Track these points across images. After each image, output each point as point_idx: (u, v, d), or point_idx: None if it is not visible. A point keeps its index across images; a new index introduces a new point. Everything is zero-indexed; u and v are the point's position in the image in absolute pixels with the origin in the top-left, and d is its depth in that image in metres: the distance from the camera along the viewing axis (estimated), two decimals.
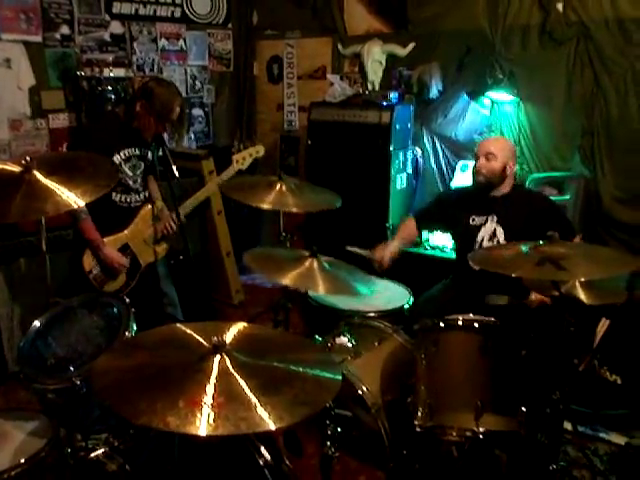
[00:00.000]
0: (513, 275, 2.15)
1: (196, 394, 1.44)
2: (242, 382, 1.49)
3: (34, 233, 3.63)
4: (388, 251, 3.31)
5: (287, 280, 2.40)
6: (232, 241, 4.92)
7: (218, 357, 1.55)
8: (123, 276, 3.32)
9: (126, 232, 3.32)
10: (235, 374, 1.51)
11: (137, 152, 3.27)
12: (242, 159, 3.60)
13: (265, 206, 2.86)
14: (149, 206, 3.38)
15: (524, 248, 2.20)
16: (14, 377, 3.71)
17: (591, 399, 3.19)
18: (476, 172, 3.17)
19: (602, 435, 3.16)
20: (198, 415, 1.39)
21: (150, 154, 3.34)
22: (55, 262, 2.66)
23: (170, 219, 3.35)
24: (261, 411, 1.42)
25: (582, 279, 2.27)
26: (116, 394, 1.50)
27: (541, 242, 2.19)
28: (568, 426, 2.80)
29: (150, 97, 3.09)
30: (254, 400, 1.45)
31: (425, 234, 4.45)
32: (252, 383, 1.50)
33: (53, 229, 3.54)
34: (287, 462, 2.26)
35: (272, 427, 1.40)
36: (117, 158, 3.19)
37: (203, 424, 1.37)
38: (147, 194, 3.42)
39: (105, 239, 3.22)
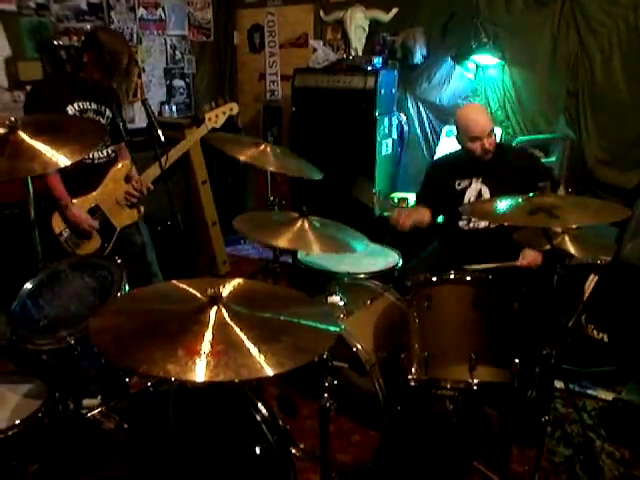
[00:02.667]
0: (506, 224, 2.16)
1: (195, 343, 1.43)
2: (240, 332, 1.48)
3: (15, 205, 3.58)
4: (411, 218, 3.21)
5: (280, 242, 2.37)
6: (217, 211, 4.89)
7: (215, 308, 1.53)
8: (97, 238, 3.26)
9: (95, 193, 3.25)
10: (232, 325, 1.51)
11: (93, 106, 3.19)
12: (215, 117, 3.53)
13: (242, 158, 2.84)
14: (119, 165, 3.32)
15: (516, 199, 2.20)
16: (1, 351, 3.68)
17: (578, 357, 3.23)
18: (484, 153, 3.09)
19: (589, 391, 3.22)
20: (198, 362, 1.38)
21: (109, 112, 3.27)
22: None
23: (136, 183, 3.30)
24: (261, 358, 1.42)
25: (574, 226, 2.28)
26: (114, 347, 1.48)
27: (531, 194, 2.20)
28: (558, 384, 2.84)
29: (99, 48, 3.00)
30: (254, 348, 1.44)
31: (412, 200, 4.46)
32: (250, 333, 1.49)
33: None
34: (281, 423, 2.27)
35: (272, 373, 1.39)
36: (70, 109, 3.11)
37: (204, 371, 1.37)
38: (112, 151, 3.33)
39: (74, 200, 3.16)
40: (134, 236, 3.44)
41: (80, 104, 3.15)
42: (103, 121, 3.26)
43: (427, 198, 3.43)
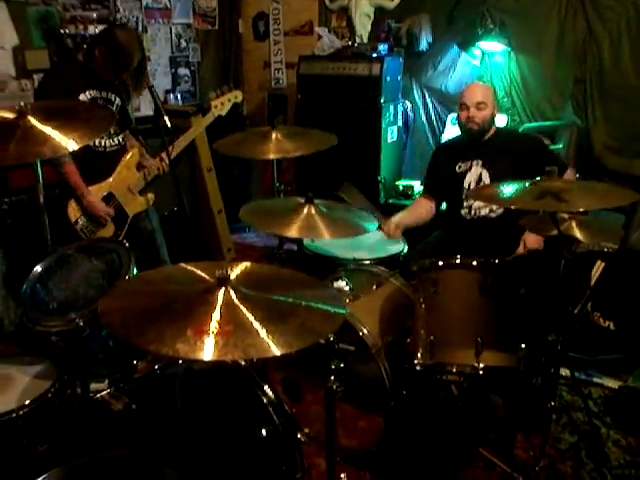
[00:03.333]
0: (512, 207, 2.15)
1: (203, 323, 1.44)
2: (247, 313, 1.49)
3: (25, 191, 3.60)
4: (399, 226, 3.25)
5: (290, 232, 2.33)
6: (222, 199, 4.89)
7: (222, 290, 1.54)
8: (111, 226, 3.28)
9: (109, 181, 3.27)
10: (240, 306, 1.51)
11: (103, 95, 3.21)
12: (221, 104, 3.57)
13: (264, 156, 2.85)
14: (130, 153, 3.34)
15: (524, 184, 2.19)
16: (9, 337, 3.71)
17: (584, 345, 3.23)
18: (468, 122, 3.14)
19: (595, 379, 3.23)
20: (207, 342, 1.39)
21: (119, 101, 3.29)
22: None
23: (161, 159, 3.33)
24: (269, 338, 1.43)
25: (582, 209, 2.28)
26: (124, 327, 1.49)
27: (539, 178, 2.20)
28: (563, 372, 2.84)
29: (110, 43, 3.01)
30: (261, 328, 1.45)
31: (417, 188, 4.47)
32: (258, 314, 1.50)
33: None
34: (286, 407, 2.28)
35: (280, 352, 1.41)
36: (82, 98, 3.13)
37: (212, 350, 1.38)
38: (122, 139, 3.35)
39: (89, 188, 3.17)
40: (143, 222, 3.47)
41: (91, 92, 3.17)
42: (113, 109, 3.26)
43: (431, 186, 3.46)
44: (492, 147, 3.18)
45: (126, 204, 3.35)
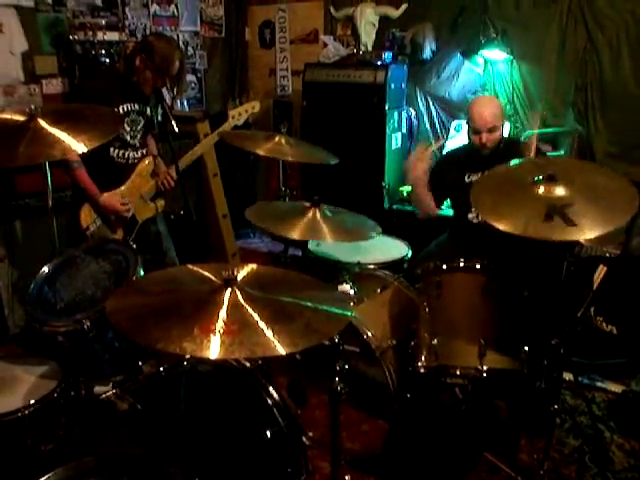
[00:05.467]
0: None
1: (210, 323, 1.47)
2: (253, 313, 1.52)
3: (33, 195, 3.63)
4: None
5: (293, 233, 2.37)
6: (227, 204, 4.91)
7: (229, 290, 1.57)
8: (120, 232, 3.30)
9: (122, 188, 3.28)
10: (246, 306, 1.54)
11: (137, 107, 3.22)
12: (238, 114, 3.62)
13: (262, 152, 2.94)
14: (146, 161, 3.34)
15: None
16: (15, 339, 3.73)
17: (587, 349, 3.24)
18: (482, 148, 3.10)
19: (598, 384, 3.24)
20: (213, 340, 1.42)
21: (149, 110, 3.31)
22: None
23: (167, 174, 3.34)
24: (275, 337, 1.45)
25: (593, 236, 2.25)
26: (132, 325, 1.52)
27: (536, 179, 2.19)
28: (566, 376, 2.85)
29: (150, 51, 3.04)
30: (267, 328, 1.47)
31: None
32: (264, 314, 1.52)
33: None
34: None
35: (286, 351, 1.43)
36: (121, 110, 3.15)
37: (219, 349, 1.40)
38: (145, 151, 3.37)
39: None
40: (150, 226, 3.48)
41: (125, 106, 3.18)
42: (143, 121, 3.30)
43: (434, 192, 3.46)
44: (500, 157, 3.17)
45: (136, 210, 3.36)
